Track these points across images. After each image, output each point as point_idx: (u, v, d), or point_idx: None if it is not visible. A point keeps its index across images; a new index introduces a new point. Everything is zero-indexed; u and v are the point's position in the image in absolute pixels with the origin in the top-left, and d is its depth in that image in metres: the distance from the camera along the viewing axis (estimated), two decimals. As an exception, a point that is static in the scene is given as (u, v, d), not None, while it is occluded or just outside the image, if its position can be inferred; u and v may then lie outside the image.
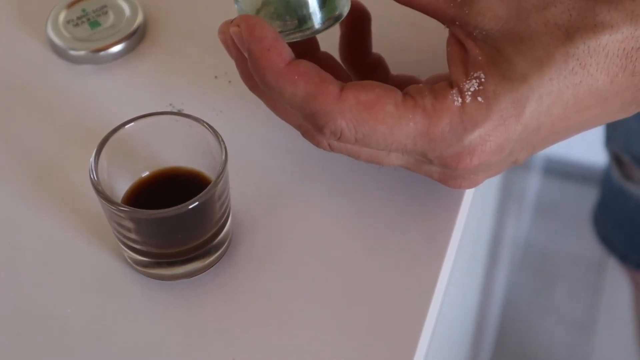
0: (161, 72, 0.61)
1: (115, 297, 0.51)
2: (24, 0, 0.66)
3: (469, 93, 0.45)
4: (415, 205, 0.53)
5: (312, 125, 0.47)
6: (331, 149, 0.49)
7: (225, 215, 0.51)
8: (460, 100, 0.45)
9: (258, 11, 0.48)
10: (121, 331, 0.49)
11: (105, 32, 0.62)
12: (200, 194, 0.47)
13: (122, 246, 0.50)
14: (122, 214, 0.48)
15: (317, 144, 0.49)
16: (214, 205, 0.49)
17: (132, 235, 0.49)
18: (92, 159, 0.49)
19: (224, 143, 0.49)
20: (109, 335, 0.49)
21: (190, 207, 0.47)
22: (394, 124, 0.45)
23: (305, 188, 0.54)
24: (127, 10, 0.63)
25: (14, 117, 0.59)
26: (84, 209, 0.53)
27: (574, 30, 0.45)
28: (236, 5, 0.50)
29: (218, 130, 0.50)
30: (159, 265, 0.50)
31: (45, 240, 0.53)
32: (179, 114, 0.51)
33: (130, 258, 0.51)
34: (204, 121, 0.50)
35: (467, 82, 0.45)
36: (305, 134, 0.49)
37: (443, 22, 0.49)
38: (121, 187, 0.51)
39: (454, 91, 0.45)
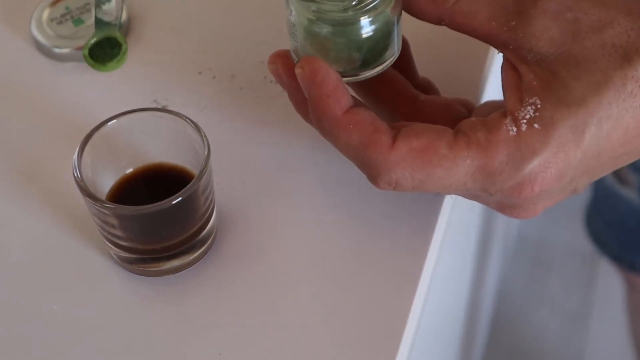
0: (145, 68, 0.61)
1: (101, 293, 0.51)
2: (7, -2, 0.66)
3: (525, 120, 0.44)
4: (401, 199, 0.53)
5: (365, 174, 0.47)
6: (389, 189, 0.48)
7: (210, 210, 0.51)
8: (515, 129, 0.44)
9: (318, 52, 0.48)
10: (107, 327, 0.49)
11: (89, 29, 0.62)
12: (184, 189, 0.47)
13: (107, 243, 0.50)
14: (106, 211, 0.48)
15: (377, 186, 0.47)
16: (197, 200, 0.49)
17: (117, 232, 0.49)
18: (75, 156, 0.49)
19: (206, 138, 0.49)
20: (95, 332, 0.49)
21: (174, 202, 0.47)
22: (450, 166, 0.44)
23: (290, 182, 0.55)
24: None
25: (-1, 116, 0.59)
26: (68, 206, 0.53)
27: (632, 52, 0.44)
28: (291, 41, 0.49)
29: (202, 125, 0.50)
30: (144, 261, 0.50)
31: (29, 238, 0.53)
32: (162, 110, 0.51)
33: (116, 254, 0.51)
34: (186, 117, 0.50)
35: (522, 109, 0.44)
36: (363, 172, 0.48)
37: (496, 47, 0.47)
38: (105, 183, 0.51)
39: (508, 120, 0.44)
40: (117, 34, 0.47)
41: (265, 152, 0.56)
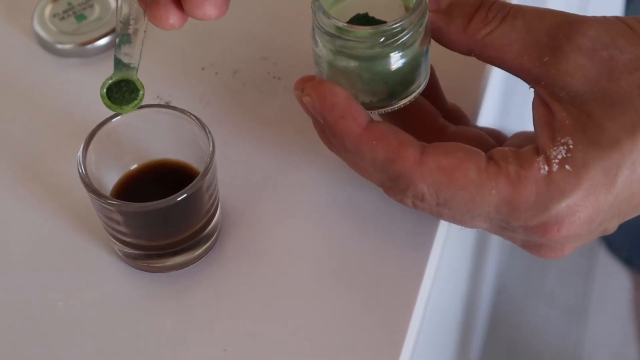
0: (148, 64, 0.60)
1: (106, 289, 0.51)
2: (9, -6, 0.66)
3: (556, 161, 0.43)
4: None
5: (395, 187, 0.46)
6: (415, 207, 0.47)
7: (214, 206, 0.51)
8: (546, 168, 0.43)
9: (344, 84, 0.47)
10: (112, 323, 0.49)
11: (91, 25, 0.62)
12: (188, 186, 0.47)
13: (112, 239, 0.51)
14: (110, 207, 0.48)
15: (401, 201, 0.47)
16: (202, 196, 0.49)
17: (122, 228, 0.49)
18: (80, 152, 0.49)
19: (211, 135, 0.49)
20: (100, 328, 0.49)
21: (179, 199, 0.47)
22: (476, 191, 0.44)
23: (294, 179, 0.55)
24: (112, 2, 0.63)
25: (1, 111, 0.59)
26: (72, 203, 0.54)
27: None
28: (316, 71, 0.48)
29: (205, 121, 0.50)
30: (148, 257, 0.51)
31: (34, 234, 0.53)
32: (166, 106, 0.51)
33: (120, 251, 0.51)
34: (191, 113, 0.50)
35: (555, 148, 0.43)
36: (388, 191, 0.48)
37: (527, 82, 0.46)
38: (109, 180, 0.51)
39: (540, 158, 0.43)
40: (135, 78, 0.47)
41: (268, 149, 0.56)
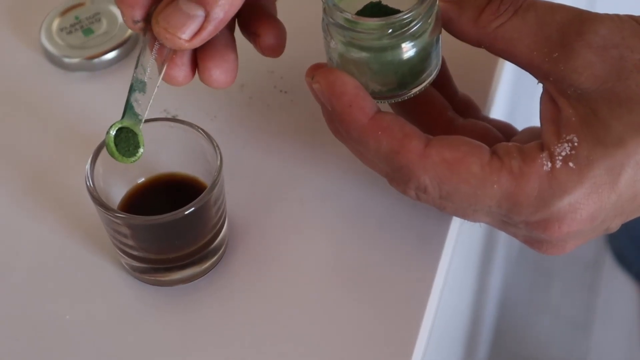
0: (155, 78, 0.61)
1: (113, 303, 0.51)
2: (17, 8, 0.66)
3: (560, 157, 0.43)
4: (411, 206, 0.53)
5: (399, 178, 0.46)
6: (418, 199, 0.47)
7: (222, 220, 0.51)
8: (550, 164, 0.43)
9: (354, 73, 0.47)
10: (119, 337, 0.49)
11: (98, 39, 0.62)
12: (196, 200, 0.47)
13: (119, 252, 0.51)
14: (118, 221, 0.48)
15: (404, 192, 0.48)
16: (209, 210, 0.49)
17: (129, 242, 0.49)
18: (87, 166, 0.49)
19: (218, 148, 0.49)
20: (107, 341, 0.49)
21: (186, 212, 0.47)
22: (478, 185, 0.44)
23: (301, 192, 0.55)
24: (120, 17, 0.63)
25: (9, 125, 0.59)
26: (80, 216, 0.54)
27: None
28: (328, 62, 0.49)
29: (213, 135, 0.50)
30: (155, 271, 0.51)
31: (42, 247, 0.53)
32: (174, 119, 0.51)
33: (127, 264, 0.51)
34: (198, 127, 0.50)
35: (559, 145, 0.43)
36: (392, 182, 0.48)
37: (536, 77, 0.46)
38: (117, 193, 0.51)
39: (544, 154, 0.43)
40: (139, 132, 0.47)
41: (275, 162, 0.56)
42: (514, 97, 0.87)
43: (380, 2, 0.48)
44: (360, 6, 0.47)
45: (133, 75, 0.47)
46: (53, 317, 0.50)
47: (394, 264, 0.51)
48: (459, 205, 0.46)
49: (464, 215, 0.48)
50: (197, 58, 0.48)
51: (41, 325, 0.50)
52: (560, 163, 0.43)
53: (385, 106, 0.49)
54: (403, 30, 0.45)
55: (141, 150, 0.48)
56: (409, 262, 0.51)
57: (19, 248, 0.53)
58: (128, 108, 0.47)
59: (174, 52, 0.47)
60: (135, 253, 0.50)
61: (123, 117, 0.47)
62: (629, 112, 0.43)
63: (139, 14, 0.46)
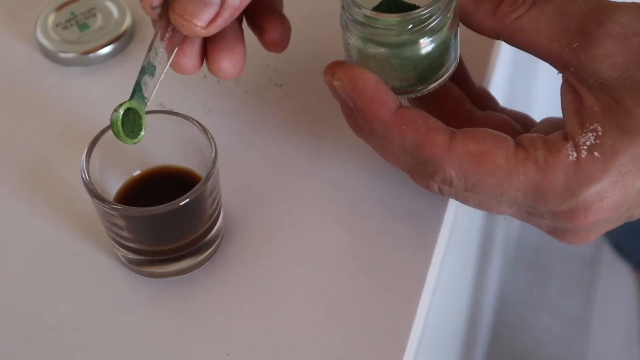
0: (150, 72, 0.61)
1: (109, 295, 0.51)
2: (12, 3, 0.66)
3: (585, 147, 0.43)
4: (405, 203, 0.54)
5: (423, 172, 0.46)
6: (441, 192, 0.48)
7: (217, 212, 0.51)
8: (575, 154, 0.43)
9: (373, 69, 0.47)
10: (115, 329, 0.50)
11: (94, 34, 0.62)
12: (191, 191, 0.47)
13: (115, 245, 0.51)
14: (114, 213, 0.48)
15: (427, 187, 0.48)
16: (205, 202, 0.49)
17: (125, 234, 0.49)
18: (83, 159, 0.49)
19: (213, 140, 0.49)
20: (103, 333, 0.49)
21: (181, 204, 0.47)
22: (504, 177, 0.44)
23: (296, 184, 0.55)
24: (115, 12, 0.63)
25: (4, 120, 0.59)
26: (76, 209, 0.54)
27: None
28: (346, 58, 0.49)
29: (208, 128, 0.50)
30: (151, 263, 0.51)
31: (38, 240, 0.53)
32: (169, 112, 0.51)
33: (123, 256, 0.51)
34: (193, 119, 0.50)
35: (583, 135, 0.43)
36: (415, 177, 0.48)
37: (556, 67, 0.46)
38: (113, 186, 0.51)
39: (569, 145, 0.44)
40: (143, 115, 0.47)
41: (270, 155, 0.56)
42: (511, 87, 0.87)
43: None
44: (376, 2, 0.47)
45: (145, 58, 0.48)
46: (49, 310, 0.50)
47: (390, 258, 0.52)
48: (484, 197, 0.46)
49: (488, 208, 0.48)
50: (207, 49, 0.49)
51: (37, 318, 0.50)
52: (586, 153, 0.43)
53: (403, 101, 0.49)
54: (422, 25, 0.45)
55: (143, 132, 0.48)
56: (403, 258, 0.51)
57: (14, 241, 0.53)
58: (137, 89, 0.47)
59: (184, 39, 0.48)
60: (131, 245, 0.50)
61: (132, 97, 0.47)
62: None
63: (157, 0, 0.47)
